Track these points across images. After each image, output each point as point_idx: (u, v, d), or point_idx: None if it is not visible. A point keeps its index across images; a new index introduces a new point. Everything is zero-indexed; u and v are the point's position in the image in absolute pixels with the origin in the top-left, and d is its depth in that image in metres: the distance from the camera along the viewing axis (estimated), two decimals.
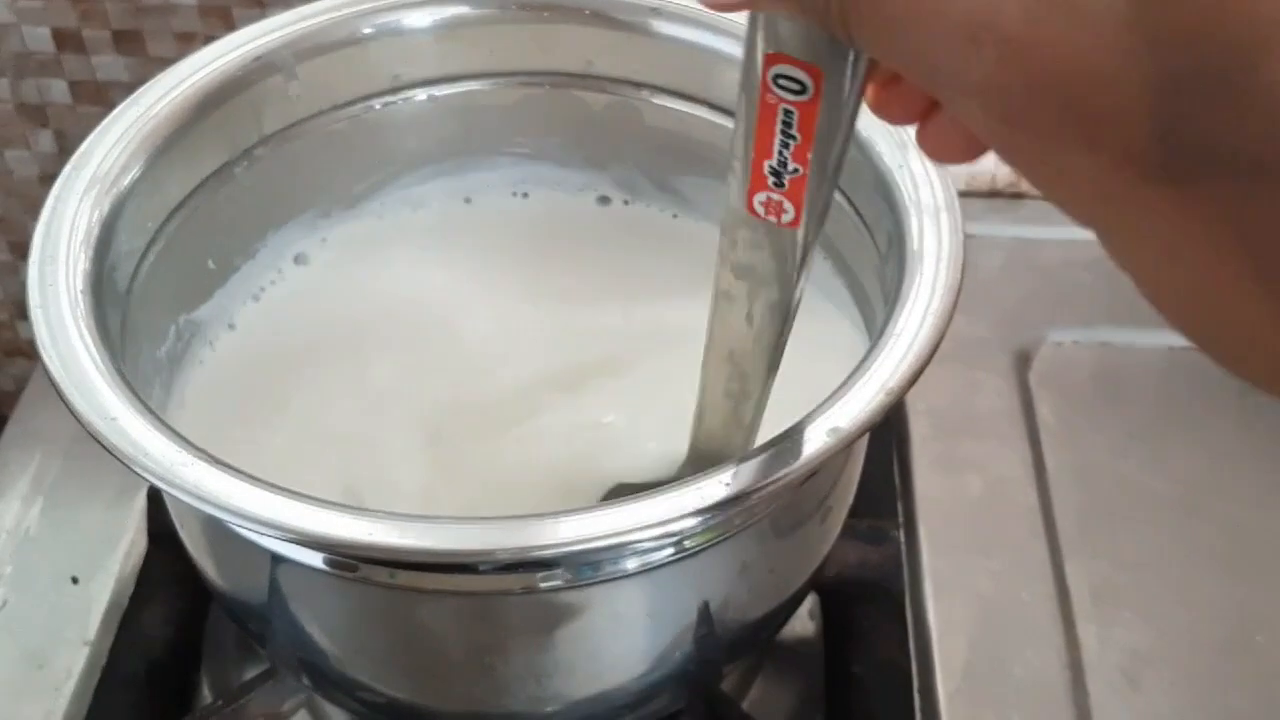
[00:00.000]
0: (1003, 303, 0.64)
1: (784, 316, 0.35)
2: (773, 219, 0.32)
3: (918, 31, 0.23)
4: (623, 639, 0.41)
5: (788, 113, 0.29)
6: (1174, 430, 0.60)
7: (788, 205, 0.32)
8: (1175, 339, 0.67)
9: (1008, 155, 0.24)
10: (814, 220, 0.32)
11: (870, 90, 0.29)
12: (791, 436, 0.35)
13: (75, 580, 0.55)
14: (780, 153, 0.30)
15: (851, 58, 0.28)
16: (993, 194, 0.70)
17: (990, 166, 0.69)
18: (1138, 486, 0.58)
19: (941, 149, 0.28)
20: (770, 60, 0.28)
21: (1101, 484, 0.58)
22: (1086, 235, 0.73)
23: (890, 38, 0.24)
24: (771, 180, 0.31)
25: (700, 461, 0.41)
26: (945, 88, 0.24)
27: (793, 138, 0.30)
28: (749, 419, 0.39)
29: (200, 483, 0.34)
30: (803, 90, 0.29)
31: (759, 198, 0.32)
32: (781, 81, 0.29)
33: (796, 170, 0.31)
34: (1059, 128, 0.22)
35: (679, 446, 0.42)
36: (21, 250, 0.76)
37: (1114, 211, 0.23)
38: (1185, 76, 0.21)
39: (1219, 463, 0.59)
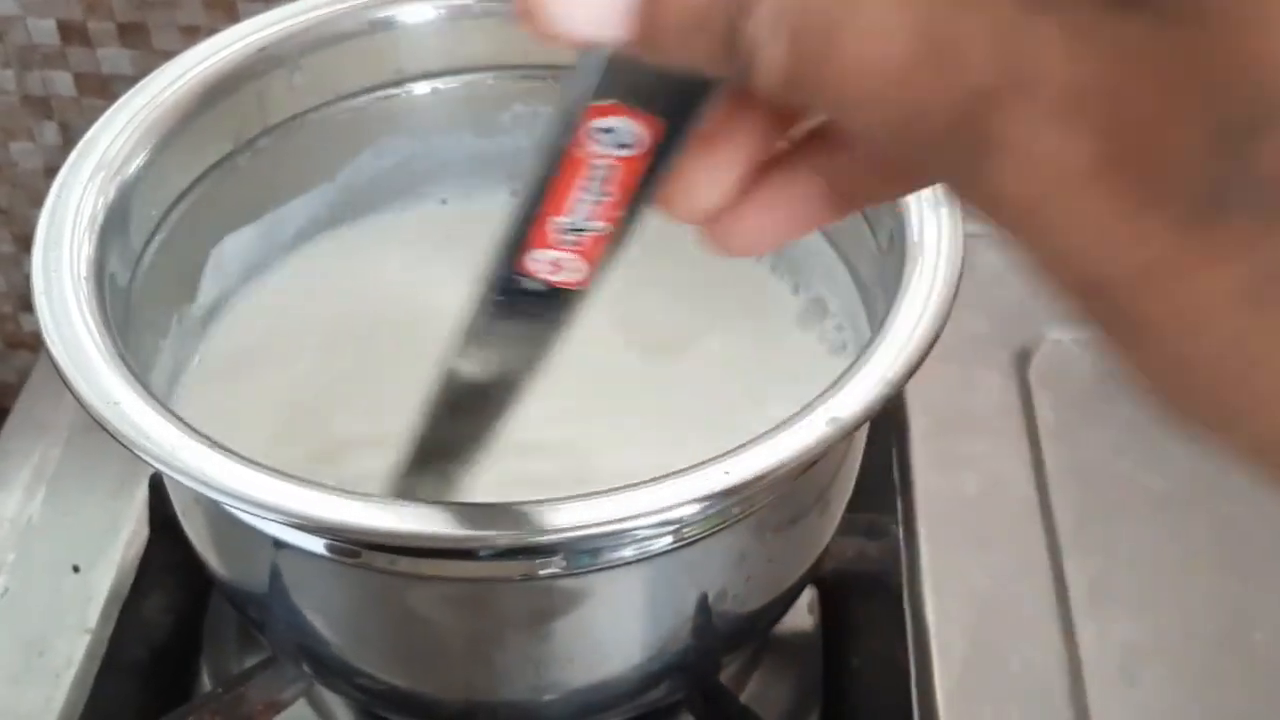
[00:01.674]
0: (1003, 300, 0.64)
1: (527, 386, 0.32)
2: (554, 277, 0.28)
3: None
4: (621, 628, 0.41)
5: (600, 168, 0.25)
6: (1170, 430, 0.60)
7: (580, 265, 0.28)
8: None
9: (981, 196, 0.20)
10: (600, 278, 0.28)
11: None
12: (791, 426, 0.35)
13: (76, 569, 0.55)
14: (576, 209, 0.26)
15: (701, 108, 0.24)
16: None
17: None
18: (1136, 484, 0.58)
19: (752, 235, 0.25)
20: (600, 111, 0.24)
21: (1100, 481, 0.58)
22: None
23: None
24: (562, 238, 0.27)
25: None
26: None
27: (604, 195, 0.26)
28: (456, 477, 0.37)
29: (203, 467, 0.34)
30: (628, 146, 0.25)
31: (537, 255, 0.28)
32: (604, 136, 0.25)
33: (599, 228, 0.27)
34: (1065, 145, 0.18)
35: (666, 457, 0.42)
36: (25, 243, 0.77)
37: (1126, 259, 0.19)
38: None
39: (1214, 461, 0.59)
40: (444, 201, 0.54)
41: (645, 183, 0.26)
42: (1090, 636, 0.53)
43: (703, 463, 0.34)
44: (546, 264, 0.28)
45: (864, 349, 0.37)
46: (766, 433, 0.35)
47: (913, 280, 0.39)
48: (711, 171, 0.25)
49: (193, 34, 0.67)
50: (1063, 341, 0.63)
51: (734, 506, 0.37)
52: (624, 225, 0.27)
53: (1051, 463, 0.58)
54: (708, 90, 0.24)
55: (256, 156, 0.48)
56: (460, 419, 0.35)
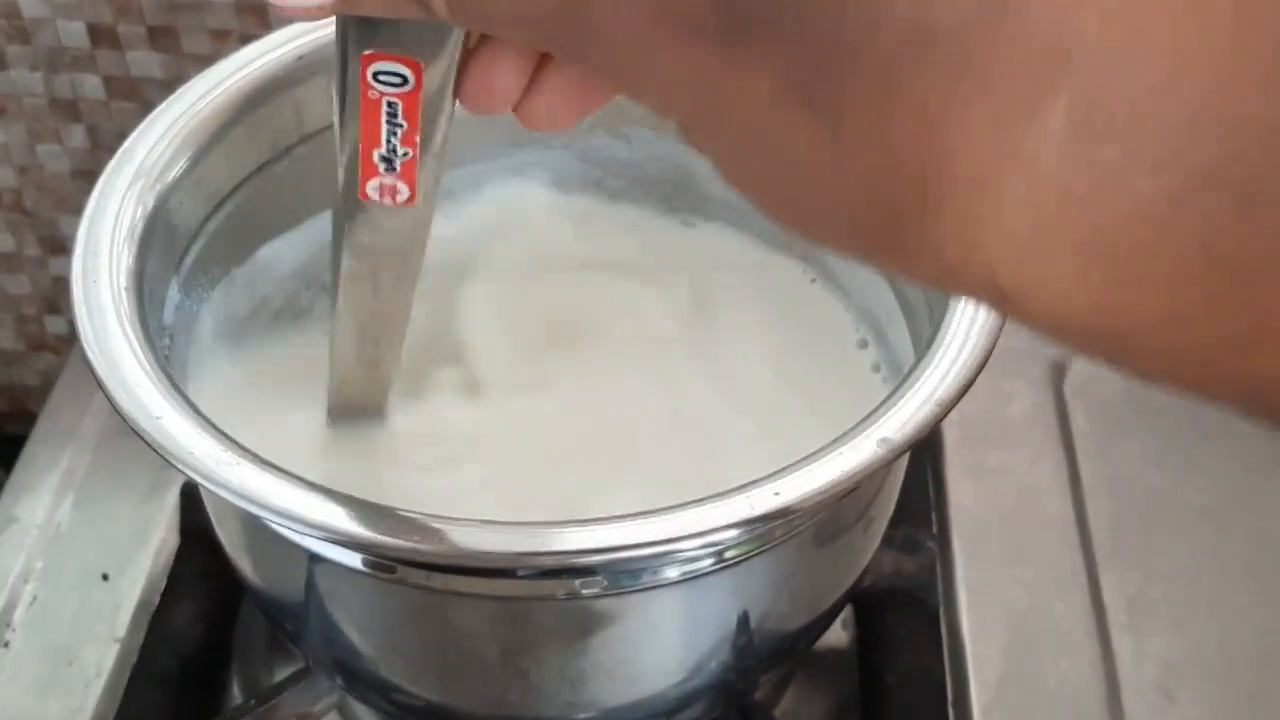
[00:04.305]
0: None
1: (411, 285, 0.38)
2: (388, 201, 0.34)
3: None
4: (659, 648, 0.41)
5: (391, 104, 0.31)
6: (1207, 441, 0.60)
7: (401, 186, 0.34)
8: None
9: (595, 61, 0.25)
10: (428, 193, 0.34)
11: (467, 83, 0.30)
12: (840, 447, 0.35)
13: (106, 577, 0.55)
14: (389, 141, 0.32)
15: (449, 44, 0.29)
16: None
17: None
18: (1173, 497, 0.57)
19: (547, 114, 0.30)
20: (369, 59, 0.30)
21: (1136, 494, 0.57)
22: None
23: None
24: (383, 167, 0.33)
25: (343, 415, 0.45)
26: (522, 24, 0.25)
27: (399, 125, 0.32)
28: (385, 378, 0.43)
29: (246, 482, 0.34)
30: (404, 83, 0.30)
31: (371, 184, 0.34)
32: (382, 77, 0.30)
33: (406, 154, 0.32)
34: (630, 12, 0.23)
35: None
36: (51, 245, 0.76)
37: (690, 91, 0.24)
38: None
39: (1252, 474, 0.58)
40: (479, 208, 0.53)
41: (427, 110, 0.31)
42: (1127, 652, 0.52)
43: (751, 483, 0.34)
44: (379, 189, 0.34)
45: (912, 368, 0.37)
46: (815, 453, 0.35)
47: (961, 298, 0.38)
48: (503, 72, 0.30)
49: (223, 38, 0.66)
50: None
51: (778, 528, 0.37)
52: (424, 147, 0.32)
53: (1087, 476, 0.58)
54: (435, 31, 0.29)
55: (294, 165, 0.48)
56: (364, 338, 0.41)
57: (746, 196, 0.25)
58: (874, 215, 0.23)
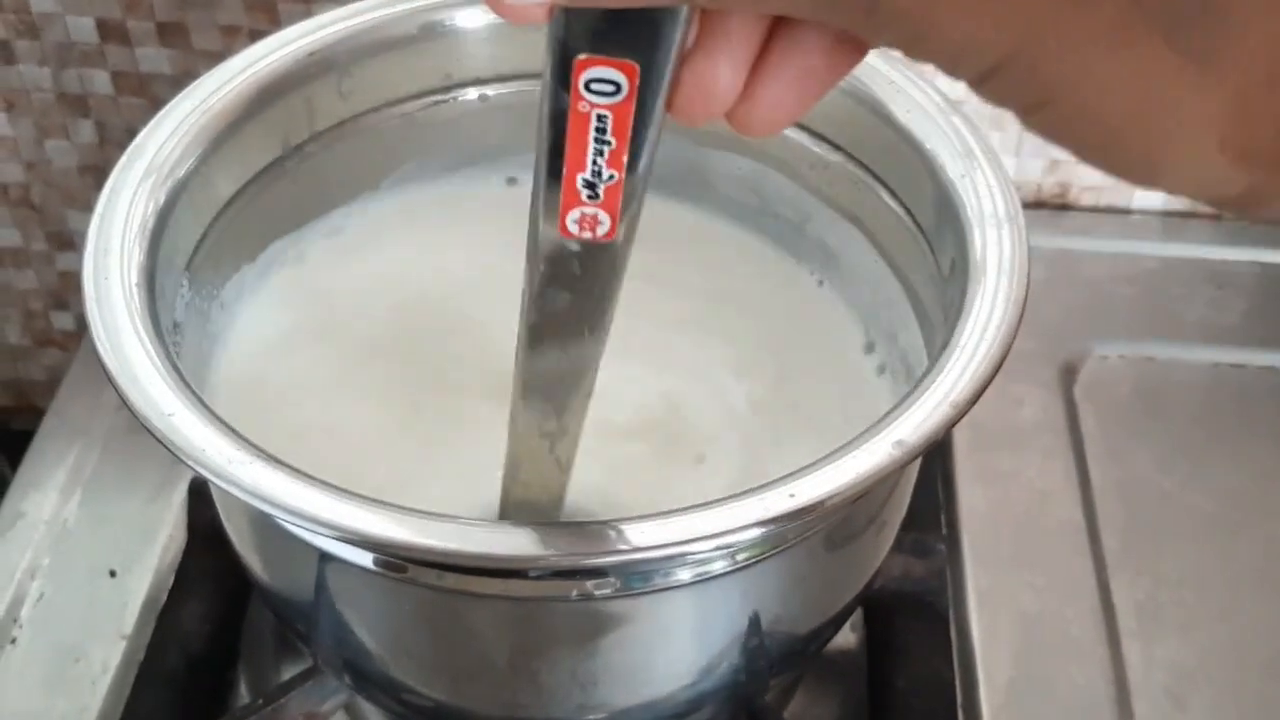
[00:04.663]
0: (1048, 316, 0.63)
1: (602, 342, 0.33)
2: (587, 234, 0.30)
3: None
4: (671, 650, 0.41)
5: (601, 118, 0.28)
6: (1218, 447, 0.59)
7: (603, 217, 0.30)
8: (1220, 355, 0.66)
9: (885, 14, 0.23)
10: (629, 228, 0.30)
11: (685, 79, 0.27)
12: (855, 449, 0.34)
13: (113, 574, 0.55)
14: (594, 162, 0.29)
15: (669, 40, 0.26)
16: (1038, 205, 0.69)
17: (1037, 177, 0.68)
18: (1183, 503, 0.57)
19: (769, 113, 0.27)
20: (583, 65, 0.27)
21: (1147, 500, 0.57)
22: (1132, 248, 0.72)
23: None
24: (586, 194, 0.29)
25: (517, 512, 0.40)
26: None
27: (607, 144, 0.28)
28: (566, 458, 0.37)
29: (258, 480, 0.34)
30: (616, 91, 0.27)
31: (572, 216, 0.30)
32: (594, 86, 0.27)
33: (612, 177, 0.29)
34: None
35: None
36: (58, 240, 0.76)
37: (1018, 28, 0.23)
38: None
39: (1263, 480, 0.58)
40: (489, 207, 0.53)
41: (638, 124, 0.28)
42: (1137, 658, 0.52)
43: (766, 485, 0.34)
44: (579, 221, 0.30)
45: (927, 370, 0.37)
46: (830, 455, 0.34)
47: (976, 300, 0.38)
48: (725, 70, 0.27)
49: (233, 34, 0.66)
50: (1109, 358, 0.62)
51: (791, 532, 0.37)
52: (631, 169, 0.29)
53: (1097, 481, 0.58)
54: (660, 27, 0.26)
55: (304, 162, 0.48)
56: (547, 408, 0.36)
57: (1074, 145, 0.25)
58: (1258, 131, 0.23)
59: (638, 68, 0.27)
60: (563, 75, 0.27)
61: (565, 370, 0.34)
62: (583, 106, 0.27)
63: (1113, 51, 0.23)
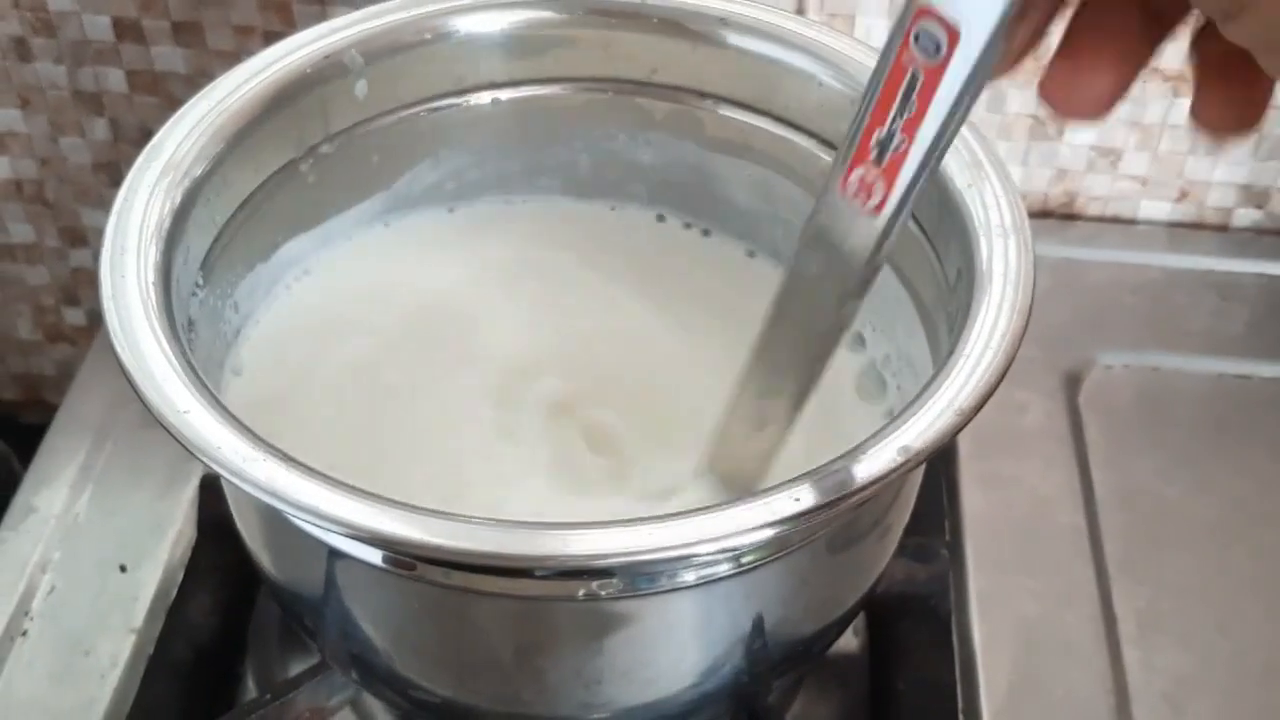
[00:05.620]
0: (1052, 324, 0.64)
1: (847, 317, 0.34)
2: (859, 200, 0.31)
3: None
4: (675, 650, 0.41)
5: (914, 76, 0.29)
6: (1220, 457, 0.60)
7: (879, 186, 0.31)
8: (1224, 366, 0.66)
9: None
10: (896, 211, 0.31)
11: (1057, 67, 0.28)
12: (860, 454, 0.35)
13: (123, 568, 0.55)
14: (893, 121, 0.30)
15: (998, 20, 0.27)
16: (1044, 214, 0.70)
17: (1044, 186, 0.69)
18: (1185, 511, 0.58)
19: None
20: (920, 14, 0.28)
21: (1149, 508, 0.58)
22: (1137, 258, 0.72)
23: None
24: (874, 153, 0.30)
25: (716, 484, 0.41)
26: None
27: (910, 105, 0.29)
28: (770, 448, 0.39)
29: (271, 478, 0.34)
30: (936, 51, 0.28)
31: (855, 174, 0.31)
32: (921, 39, 0.28)
33: (901, 143, 0.30)
34: None
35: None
36: (71, 236, 0.77)
37: None
38: None
39: (1264, 490, 0.59)
40: (496, 210, 0.54)
41: (940, 96, 0.29)
42: (1137, 665, 0.52)
43: (772, 488, 0.34)
44: (858, 183, 0.31)
45: (933, 377, 0.37)
46: (835, 460, 0.35)
47: (981, 309, 0.38)
48: (1107, 65, 0.28)
49: (247, 34, 0.67)
50: (1113, 367, 0.63)
51: (796, 535, 0.37)
52: (918, 142, 0.30)
53: (1100, 489, 0.58)
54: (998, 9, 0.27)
55: (318, 163, 0.48)
56: (768, 382, 0.37)
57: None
58: None
59: (959, 33, 0.28)
60: (903, 20, 0.28)
61: (798, 341, 0.35)
62: (905, 58, 0.29)
63: None
